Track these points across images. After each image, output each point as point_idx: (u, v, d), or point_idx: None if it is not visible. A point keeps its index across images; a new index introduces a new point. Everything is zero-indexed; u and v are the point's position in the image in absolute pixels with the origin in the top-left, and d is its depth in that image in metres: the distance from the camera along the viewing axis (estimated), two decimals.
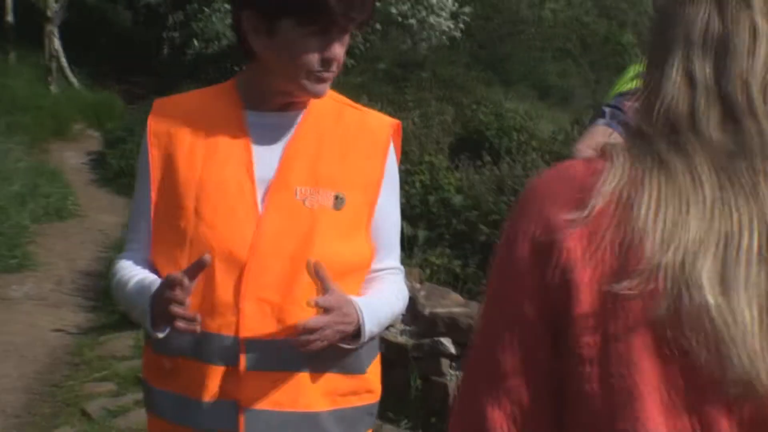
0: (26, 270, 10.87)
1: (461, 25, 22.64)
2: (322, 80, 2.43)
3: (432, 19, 21.61)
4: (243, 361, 2.39)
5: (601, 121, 3.21)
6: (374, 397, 2.65)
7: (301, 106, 2.55)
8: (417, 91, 18.32)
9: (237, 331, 2.39)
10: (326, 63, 2.40)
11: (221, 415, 2.43)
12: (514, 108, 15.61)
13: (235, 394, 2.41)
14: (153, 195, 2.49)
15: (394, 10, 20.80)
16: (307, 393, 2.47)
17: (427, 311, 6.48)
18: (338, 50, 2.41)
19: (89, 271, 11.06)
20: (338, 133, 2.56)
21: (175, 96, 2.67)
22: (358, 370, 2.57)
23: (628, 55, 30.36)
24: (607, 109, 3.25)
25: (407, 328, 6.62)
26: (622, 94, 3.34)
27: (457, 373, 6.26)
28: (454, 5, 22.37)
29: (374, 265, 2.63)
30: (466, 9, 23.08)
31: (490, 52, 25.94)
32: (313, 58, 2.38)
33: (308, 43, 2.36)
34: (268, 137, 2.51)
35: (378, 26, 20.92)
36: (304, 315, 2.39)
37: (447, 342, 6.24)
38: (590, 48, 29.96)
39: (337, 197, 2.47)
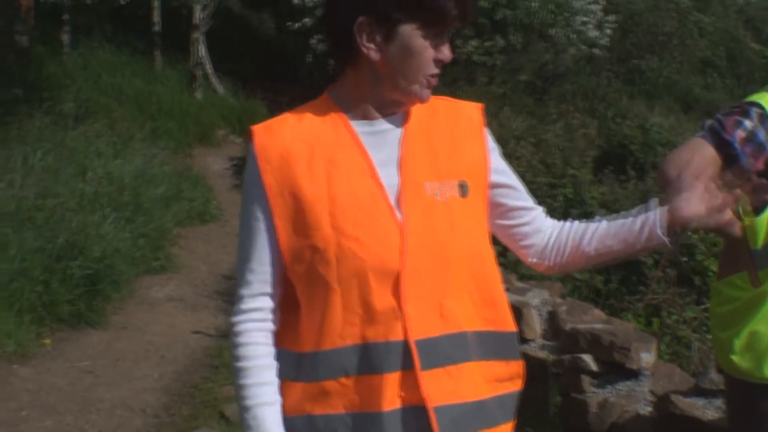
0: (168, 272, 11.11)
1: (608, 32, 22.34)
2: (432, 85, 2.48)
3: (578, 23, 21.34)
4: (417, 362, 2.38)
5: (700, 133, 3.32)
6: (522, 383, 2.65)
7: (400, 110, 2.56)
8: (558, 103, 18.19)
9: (405, 334, 2.38)
10: (439, 64, 2.45)
11: (409, 421, 2.41)
12: (660, 122, 15.41)
13: (417, 397, 2.40)
14: (276, 221, 2.47)
15: (532, 18, 20.65)
16: (477, 382, 2.48)
17: (568, 327, 6.42)
18: (449, 51, 2.46)
19: (229, 274, 11.20)
20: (440, 125, 2.58)
21: (272, 120, 2.61)
22: (515, 355, 2.60)
23: None
24: (707, 122, 3.35)
25: (548, 343, 6.57)
26: (725, 113, 3.39)
27: (598, 390, 6.16)
28: (599, 13, 22.10)
29: (540, 214, 2.77)
30: (611, 17, 22.81)
31: (633, 64, 25.63)
32: (430, 61, 2.43)
33: (426, 46, 2.40)
34: (379, 143, 2.51)
35: (519, 38, 20.82)
36: (462, 307, 2.45)
37: (588, 359, 6.16)
38: (737, 61, 29.38)
39: (461, 185, 2.50)
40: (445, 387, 2.41)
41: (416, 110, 2.57)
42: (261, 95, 21.75)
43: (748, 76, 28.91)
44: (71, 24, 19.58)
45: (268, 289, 2.54)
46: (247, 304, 2.54)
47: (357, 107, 2.52)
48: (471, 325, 2.48)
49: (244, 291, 2.55)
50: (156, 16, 21.62)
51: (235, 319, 2.56)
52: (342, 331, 2.41)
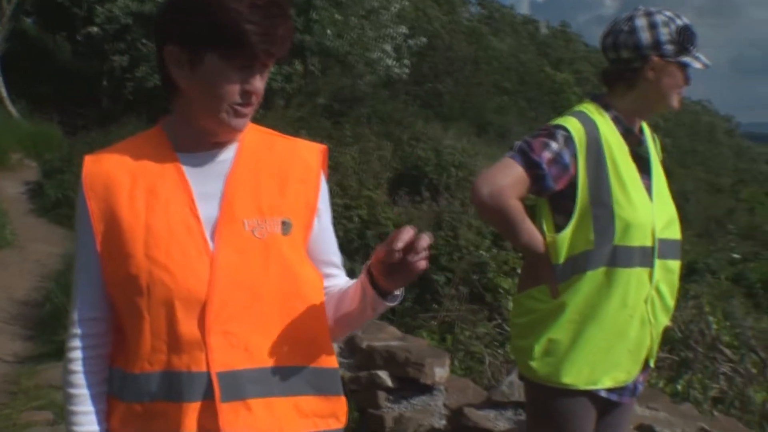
0: None
1: (406, 62, 22.76)
2: (241, 114, 2.48)
3: (375, 55, 21.69)
4: (218, 393, 2.41)
5: (509, 153, 3.52)
6: (345, 420, 2.65)
7: (230, 142, 2.59)
8: (356, 126, 18.38)
9: (207, 365, 2.41)
10: (246, 96, 2.45)
11: None
12: (453, 144, 15.75)
13: (215, 428, 2.42)
14: (98, 248, 2.50)
15: (329, 44, 20.85)
16: (287, 417, 2.50)
17: (364, 344, 6.52)
18: (258, 84, 2.48)
19: (27, 300, 11.01)
20: (273, 162, 2.61)
21: (104, 150, 2.66)
22: (336, 391, 2.60)
23: (565, 94, 30.75)
24: (516, 144, 3.58)
25: (345, 360, 6.65)
26: (532, 135, 3.60)
27: (394, 406, 6.30)
28: (397, 39, 22.47)
29: (340, 280, 2.71)
30: (412, 42, 23.22)
31: (428, 88, 26.09)
32: (234, 91, 2.43)
33: (229, 76, 2.42)
34: (205, 176, 2.54)
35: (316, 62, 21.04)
36: (272, 343, 2.47)
37: (384, 375, 6.29)
38: (528, 85, 30.24)
39: (284, 223, 2.52)
40: (243, 420, 2.44)
41: (250, 144, 2.61)
42: (57, 118, 21.37)
43: (538, 100, 29.81)
44: None
45: (97, 313, 2.56)
46: (76, 329, 2.56)
47: (183, 138, 2.55)
48: (284, 360, 2.49)
49: (74, 315, 2.58)
50: None
51: (68, 344, 2.57)
52: (150, 357, 2.45)
